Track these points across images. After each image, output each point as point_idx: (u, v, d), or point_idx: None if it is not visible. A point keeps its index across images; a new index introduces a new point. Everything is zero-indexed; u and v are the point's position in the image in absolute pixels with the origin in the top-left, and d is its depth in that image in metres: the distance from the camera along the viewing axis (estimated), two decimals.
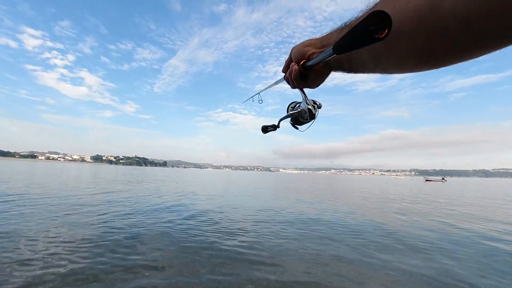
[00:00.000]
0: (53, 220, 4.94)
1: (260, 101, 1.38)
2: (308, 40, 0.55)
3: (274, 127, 0.71)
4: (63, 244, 3.60)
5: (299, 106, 0.66)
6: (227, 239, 4.16)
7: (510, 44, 0.26)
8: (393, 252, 3.81)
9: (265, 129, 0.71)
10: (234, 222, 5.45)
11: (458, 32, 0.26)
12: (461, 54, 0.29)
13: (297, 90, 0.62)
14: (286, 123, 0.72)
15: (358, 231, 5.03)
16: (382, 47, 0.35)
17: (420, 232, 5.10)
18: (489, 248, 4.20)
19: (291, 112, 0.66)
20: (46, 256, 3.16)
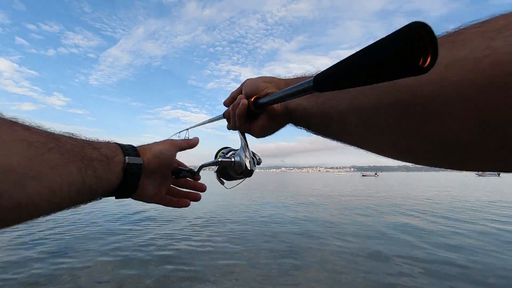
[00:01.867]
0: None
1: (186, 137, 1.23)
2: (269, 76, 0.45)
3: (192, 173, 0.50)
4: None
5: (233, 154, 0.51)
6: (167, 248, 4.01)
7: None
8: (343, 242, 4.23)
9: (177, 173, 0.49)
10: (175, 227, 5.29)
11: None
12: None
13: (236, 135, 0.50)
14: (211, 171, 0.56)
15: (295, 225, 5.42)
16: (385, 119, 0.24)
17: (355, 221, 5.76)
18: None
19: (220, 159, 0.50)
20: None
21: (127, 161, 0.39)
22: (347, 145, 0.34)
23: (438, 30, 0.20)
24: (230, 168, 0.51)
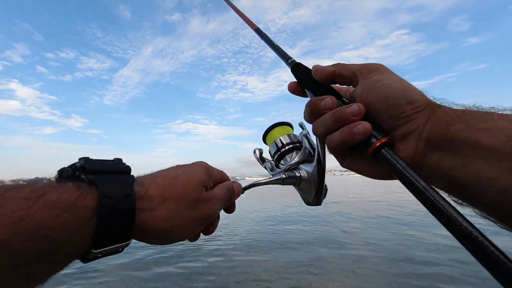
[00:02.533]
0: None
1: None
2: (420, 95, 0.27)
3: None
4: None
5: (298, 165, 0.41)
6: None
7: None
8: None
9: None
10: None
11: None
12: None
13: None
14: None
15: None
16: None
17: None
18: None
19: (282, 176, 0.40)
20: None
21: (92, 255, 0.22)
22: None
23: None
24: (297, 183, 0.40)
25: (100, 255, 0.23)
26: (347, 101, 0.31)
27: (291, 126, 0.47)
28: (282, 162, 0.44)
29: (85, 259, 0.22)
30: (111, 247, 0.23)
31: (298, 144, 0.44)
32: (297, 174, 0.39)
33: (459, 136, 0.23)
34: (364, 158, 0.29)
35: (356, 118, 0.27)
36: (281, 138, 0.44)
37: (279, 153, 0.44)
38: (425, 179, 0.23)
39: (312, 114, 0.32)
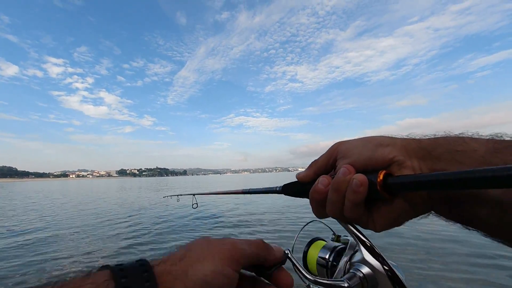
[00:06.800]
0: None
1: None
2: (382, 136, 0.30)
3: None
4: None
5: (354, 265, 0.32)
6: None
7: None
8: None
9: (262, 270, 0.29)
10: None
11: None
12: None
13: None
14: None
15: None
16: None
17: None
18: None
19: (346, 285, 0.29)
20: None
21: None
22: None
23: None
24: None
25: None
26: None
27: (320, 239, 0.44)
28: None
29: None
30: None
31: (338, 248, 0.40)
32: (359, 274, 0.30)
33: (444, 158, 0.25)
34: (396, 208, 0.27)
35: (350, 175, 0.27)
36: (320, 256, 0.40)
37: (329, 270, 0.39)
38: None
39: (318, 203, 0.30)
